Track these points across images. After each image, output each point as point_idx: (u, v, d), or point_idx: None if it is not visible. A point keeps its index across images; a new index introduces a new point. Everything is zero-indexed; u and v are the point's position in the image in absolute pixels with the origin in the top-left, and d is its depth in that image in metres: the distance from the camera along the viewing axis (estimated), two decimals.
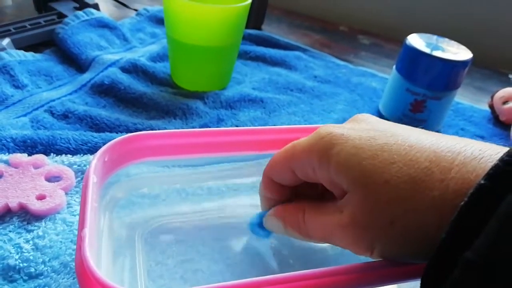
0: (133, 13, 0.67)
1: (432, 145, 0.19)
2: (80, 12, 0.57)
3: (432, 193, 0.18)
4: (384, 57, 0.67)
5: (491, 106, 0.54)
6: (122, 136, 0.27)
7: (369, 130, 0.21)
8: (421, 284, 0.18)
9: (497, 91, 0.54)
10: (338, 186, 0.21)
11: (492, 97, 0.54)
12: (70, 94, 0.46)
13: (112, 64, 0.50)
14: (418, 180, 0.18)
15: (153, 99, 0.46)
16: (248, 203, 0.31)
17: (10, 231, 0.29)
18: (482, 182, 0.16)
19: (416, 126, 0.22)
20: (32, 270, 0.27)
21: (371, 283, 0.20)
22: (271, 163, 0.25)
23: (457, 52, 0.44)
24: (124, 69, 0.50)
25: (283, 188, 0.25)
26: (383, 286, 0.21)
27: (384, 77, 0.59)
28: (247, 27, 0.57)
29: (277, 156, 0.25)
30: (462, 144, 0.19)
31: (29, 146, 0.36)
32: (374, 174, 0.19)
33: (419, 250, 0.19)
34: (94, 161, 0.24)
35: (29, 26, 0.55)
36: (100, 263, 0.23)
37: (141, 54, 0.55)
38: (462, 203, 0.16)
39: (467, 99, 0.58)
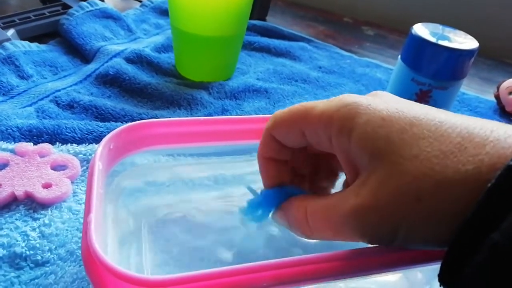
0: (138, 4, 0.67)
1: (463, 123, 0.18)
2: (84, 3, 0.57)
3: (465, 167, 0.17)
4: (389, 48, 0.67)
5: (497, 97, 0.53)
6: (128, 124, 0.27)
7: (396, 103, 0.20)
8: (442, 265, 0.17)
9: (503, 81, 0.53)
10: (355, 162, 0.20)
11: (498, 88, 0.54)
12: (75, 84, 0.46)
13: (117, 54, 0.50)
14: (450, 155, 0.17)
15: (158, 89, 0.46)
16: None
17: (16, 219, 0.29)
18: (511, 162, 0.15)
19: None
20: (39, 257, 0.27)
21: (376, 269, 0.20)
22: (276, 120, 0.23)
23: (464, 41, 0.44)
24: (129, 60, 0.50)
25: (284, 149, 0.23)
26: (390, 271, 0.21)
27: (388, 67, 0.59)
28: (251, 18, 0.57)
29: (285, 114, 0.22)
30: (493, 124, 0.18)
31: (35, 136, 0.37)
32: (402, 148, 0.18)
33: (447, 231, 0.17)
34: (99, 148, 0.24)
35: (33, 17, 0.55)
36: (106, 250, 0.23)
37: (145, 44, 0.55)
38: (489, 184, 0.15)
39: (473, 89, 0.57)
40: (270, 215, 0.24)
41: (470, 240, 0.16)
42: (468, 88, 0.57)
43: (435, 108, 0.20)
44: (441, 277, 0.18)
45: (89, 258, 0.18)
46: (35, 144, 0.35)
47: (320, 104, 0.21)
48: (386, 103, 0.20)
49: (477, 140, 0.17)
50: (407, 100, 0.21)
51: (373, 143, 0.19)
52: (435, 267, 0.25)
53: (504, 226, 0.15)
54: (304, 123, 0.21)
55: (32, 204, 0.31)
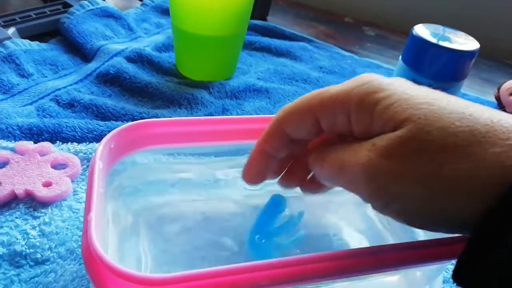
0: (138, 3, 0.67)
1: (489, 109, 0.18)
2: (85, 2, 0.57)
3: (493, 149, 0.16)
4: (390, 49, 0.67)
5: (498, 98, 0.53)
6: (128, 123, 0.27)
7: (416, 85, 0.19)
8: (458, 261, 0.17)
9: (504, 82, 0.53)
10: (377, 132, 0.19)
11: (498, 89, 0.54)
12: (76, 83, 0.46)
13: (118, 53, 0.50)
14: (479, 134, 0.17)
15: (159, 88, 0.46)
16: (255, 193, 0.31)
17: (16, 218, 0.30)
18: None
19: None
20: (39, 256, 0.27)
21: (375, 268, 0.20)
22: (287, 111, 0.22)
23: (464, 42, 0.44)
24: (130, 59, 0.50)
25: (288, 144, 0.23)
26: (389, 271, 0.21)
27: (389, 68, 0.59)
28: (252, 17, 0.56)
29: (297, 103, 0.21)
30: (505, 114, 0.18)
31: (35, 134, 0.37)
32: (431, 118, 0.17)
33: (466, 206, 0.17)
34: (100, 147, 0.24)
35: (34, 16, 0.55)
36: (106, 248, 0.23)
37: (146, 44, 0.55)
38: None
39: (474, 90, 0.57)
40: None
41: (494, 230, 0.15)
42: (469, 89, 0.57)
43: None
44: (456, 274, 0.17)
45: (89, 257, 0.18)
46: (35, 142, 0.35)
47: (334, 87, 0.21)
48: (406, 82, 0.20)
49: (506, 125, 0.17)
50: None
51: (399, 115, 0.18)
52: (434, 267, 0.26)
53: None
54: (320, 106, 0.20)
55: (32, 203, 0.31)
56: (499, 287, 0.15)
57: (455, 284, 0.18)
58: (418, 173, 0.17)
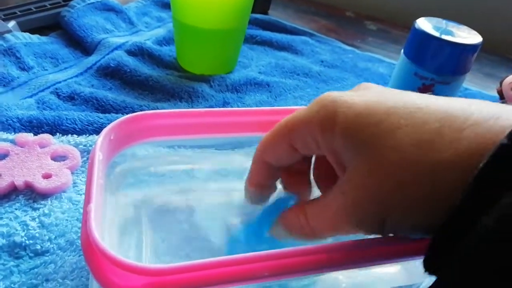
0: None
1: (442, 106, 0.18)
2: None
3: (442, 155, 0.17)
4: (391, 43, 0.67)
5: (500, 92, 0.53)
6: (129, 115, 0.27)
7: (375, 96, 0.20)
8: (428, 250, 0.17)
9: (506, 77, 0.53)
10: (341, 159, 0.20)
11: (501, 83, 0.53)
12: (76, 76, 0.46)
13: (118, 47, 0.50)
14: (427, 143, 0.17)
15: (159, 82, 0.46)
16: None
17: (16, 209, 0.29)
18: (505, 142, 0.15)
19: None
20: (38, 247, 0.27)
21: (366, 261, 0.20)
22: (264, 144, 0.23)
23: (467, 36, 0.43)
24: (130, 52, 0.50)
25: (275, 171, 0.24)
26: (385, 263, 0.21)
27: (391, 62, 0.59)
28: (253, 11, 0.56)
29: (270, 134, 0.23)
30: (477, 104, 0.18)
31: (35, 126, 0.36)
32: (379, 141, 0.18)
33: (433, 216, 0.17)
34: (100, 138, 0.24)
35: (34, 9, 0.55)
36: (106, 239, 0.23)
37: (147, 37, 0.55)
38: (481, 164, 0.15)
39: (476, 85, 0.57)
40: (267, 234, 0.25)
41: (459, 224, 0.16)
42: (471, 83, 0.57)
43: (422, 94, 0.20)
44: (427, 263, 0.18)
45: (89, 247, 0.18)
46: (35, 134, 0.35)
47: (300, 111, 0.22)
48: (365, 96, 0.20)
49: (455, 125, 0.17)
50: (393, 89, 0.21)
51: (352, 139, 0.19)
52: None
53: (497, 208, 0.14)
54: (289, 131, 0.22)
55: (32, 194, 0.31)
56: (469, 274, 0.15)
57: None
58: (385, 202, 0.18)
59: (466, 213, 0.16)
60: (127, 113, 0.41)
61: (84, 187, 0.32)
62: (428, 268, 0.18)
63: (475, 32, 0.44)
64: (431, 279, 0.27)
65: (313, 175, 0.25)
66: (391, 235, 0.20)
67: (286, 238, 0.23)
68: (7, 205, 0.30)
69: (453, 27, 0.45)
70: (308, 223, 0.21)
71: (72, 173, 0.33)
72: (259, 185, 0.24)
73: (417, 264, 0.26)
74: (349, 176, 0.19)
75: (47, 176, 0.31)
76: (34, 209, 0.30)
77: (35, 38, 0.50)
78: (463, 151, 0.17)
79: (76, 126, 0.37)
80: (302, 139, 0.21)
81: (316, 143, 0.21)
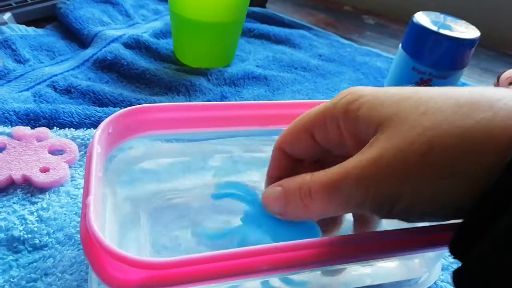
0: None
1: (470, 90, 0.18)
2: None
3: (478, 116, 0.16)
4: (389, 37, 0.66)
5: (497, 87, 0.53)
6: (127, 108, 0.26)
7: (392, 89, 0.20)
8: (459, 230, 0.16)
9: (503, 72, 0.53)
10: (363, 138, 0.19)
11: (498, 78, 0.53)
12: (73, 69, 0.45)
13: (115, 39, 0.50)
14: (460, 106, 0.17)
15: (156, 75, 0.46)
16: (253, 179, 0.31)
17: (14, 203, 0.29)
18: None
19: None
20: (37, 241, 0.27)
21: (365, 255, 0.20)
22: (285, 134, 0.23)
23: (465, 31, 0.43)
24: (127, 45, 0.49)
25: (293, 163, 0.23)
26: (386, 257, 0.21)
27: (389, 57, 0.59)
28: (251, 5, 0.56)
29: (292, 125, 0.23)
30: (503, 90, 0.17)
31: (32, 120, 0.36)
32: (409, 109, 0.18)
33: (458, 191, 0.16)
34: (98, 131, 0.24)
35: (30, 1, 0.54)
36: (104, 233, 0.23)
37: (144, 30, 0.55)
38: None
39: (473, 80, 0.57)
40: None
41: (494, 202, 0.15)
42: (468, 78, 0.57)
43: None
44: (454, 245, 0.17)
45: (88, 240, 0.18)
46: (32, 128, 0.35)
47: (322, 104, 0.22)
48: (381, 89, 0.20)
49: (488, 97, 0.17)
50: None
51: (380, 113, 0.18)
52: (433, 254, 0.26)
53: None
54: (311, 121, 0.22)
55: (29, 188, 0.30)
56: (495, 262, 0.15)
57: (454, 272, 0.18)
58: (408, 166, 0.17)
59: (501, 194, 0.15)
60: (124, 107, 0.41)
61: (82, 181, 0.32)
62: (455, 251, 0.17)
63: (473, 27, 0.44)
64: (430, 274, 0.27)
65: None
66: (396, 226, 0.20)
67: (276, 210, 0.22)
68: (5, 199, 0.29)
69: (451, 21, 0.45)
70: (310, 194, 0.20)
71: (70, 167, 0.32)
72: (276, 177, 0.23)
73: (415, 260, 0.27)
74: (371, 142, 0.18)
75: (44, 170, 0.31)
76: (32, 203, 0.29)
77: (31, 30, 0.50)
78: (500, 117, 0.16)
79: (74, 120, 0.37)
80: (324, 127, 0.21)
81: (337, 128, 0.21)
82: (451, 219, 0.19)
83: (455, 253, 0.17)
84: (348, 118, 0.20)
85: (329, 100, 0.21)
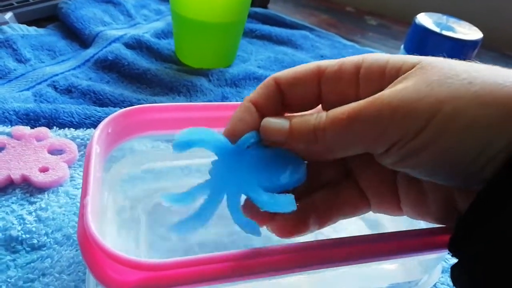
0: None
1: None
2: None
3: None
4: (392, 38, 0.66)
5: None
6: (126, 108, 0.26)
7: None
8: (458, 224, 0.16)
9: None
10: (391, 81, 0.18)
11: None
12: (74, 69, 0.45)
13: (116, 39, 0.50)
14: (500, 70, 0.17)
15: (157, 75, 0.46)
16: None
17: (12, 203, 0.29)
18: None
19: None
20: (35, 241, 0.27)
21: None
22: (288, 70, 0.20)
23: (467, 32, 0.43)
24: (128, 45, 0.49)
25: (279, 102, 0.20)
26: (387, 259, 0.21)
27: None
28: (253, 5, 0.56)
29: (299, 66, 0.20)
30: None
31: (32, 119, 0.36)
32: (446, 64, 0.17)
33: (499, 119, 0.15)
34: (97, 131, 0.24)
35: (31, 1, 0.54)
36: (103, 234, 0.22)
37: (145, 30, 0.54)
38: None
39: None
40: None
41: (491, 202, 0.15)
42: None
43: None
44: (452, 242, 0.17)
45: (85, 240, 0.18)
46: (32, 128, 0.35)
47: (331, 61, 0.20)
48: None
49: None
50: None
51: (414, 58, 0.19)
52: (432, 257, 0.25)
53: None
54: (327, 62, 0.20)
55: (28, 188, 0.30)
56: (493, 258, 0.15)
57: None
58: (448, 91, 0.16)
59: (498, 191, 0.15)
60: (124, 107, 0.40)
61: (81, 181, 0.31)
62: (453, 247, 0.17)
63: (476, 28, 0.44)
64: (430, 276, 0.27)
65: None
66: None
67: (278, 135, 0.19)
68: (3, 198, 0.29)
69: (453, 22, 0.45)
70: (324, 122, 0.18)
71: (69, 167, 0.32)
72: (258, 105, 0.20)
73: (415, 262, 0.27)
74: (405, 79, 0.18)
75: (44, 170, 0.31)
76: (31, 203, 0.29)
77: (32, 30, 0.50)
78: None
79: (73, 120, 0.37)
80: (338, 69, 0.19)
81: (356, 73, 0.19)
82: (464, 180, 0.17)
83: (452, 250, 0.17)
84: (376, 61, 0.19)
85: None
